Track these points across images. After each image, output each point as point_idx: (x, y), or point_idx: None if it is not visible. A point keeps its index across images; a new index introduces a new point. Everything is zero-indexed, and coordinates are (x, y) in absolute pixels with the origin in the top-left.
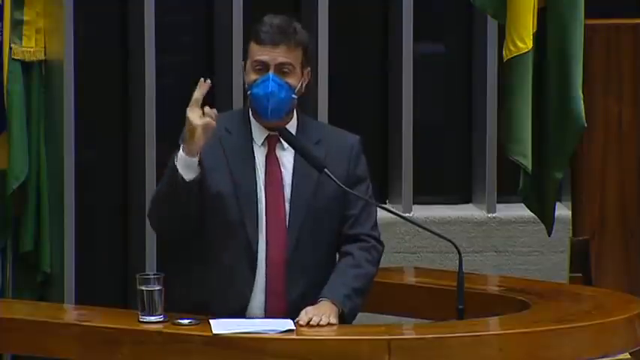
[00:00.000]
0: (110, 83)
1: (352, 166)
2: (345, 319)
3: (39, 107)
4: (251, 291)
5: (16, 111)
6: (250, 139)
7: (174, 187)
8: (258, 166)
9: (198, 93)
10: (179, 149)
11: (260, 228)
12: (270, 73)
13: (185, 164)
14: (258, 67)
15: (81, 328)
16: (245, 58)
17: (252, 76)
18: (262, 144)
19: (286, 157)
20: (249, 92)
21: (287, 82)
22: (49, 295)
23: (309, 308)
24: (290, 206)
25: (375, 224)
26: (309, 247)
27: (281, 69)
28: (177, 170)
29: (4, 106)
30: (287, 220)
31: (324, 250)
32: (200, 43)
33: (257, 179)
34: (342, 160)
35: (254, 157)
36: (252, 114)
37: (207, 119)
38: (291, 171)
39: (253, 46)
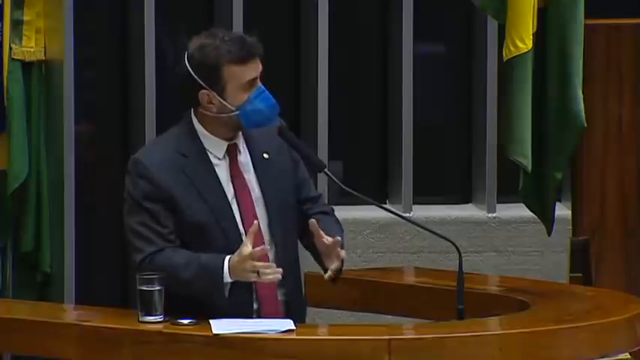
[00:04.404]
0: (110, 83)
1: (289, 150)
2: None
3: (39, 107)
4: (251, 306)
5: (16, 111)
6: (207, 158)
7: (209, 294)
8: (223, 182)
9: (250, 243)
10: (222, 263)
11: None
12: (260, 85)
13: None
14: (248, 86)
15: (81, 328)
16: (211, 86)
17: (243, 96)
18: (223, 157)
19: (245, 161)
20: (237, 112)
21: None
22: (49, 295)
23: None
24: (267, 211)
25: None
26: (292, 245)
27: (259, 78)
28: (222, 294)
29: (4, 106)
30: (268, 226)
31: (296, 241)
32: None
33: (227, 195)
34: (284, 146)
35: (217, 175)
36: (218, 127)
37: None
38: (253, 173)
39: (235, 69)
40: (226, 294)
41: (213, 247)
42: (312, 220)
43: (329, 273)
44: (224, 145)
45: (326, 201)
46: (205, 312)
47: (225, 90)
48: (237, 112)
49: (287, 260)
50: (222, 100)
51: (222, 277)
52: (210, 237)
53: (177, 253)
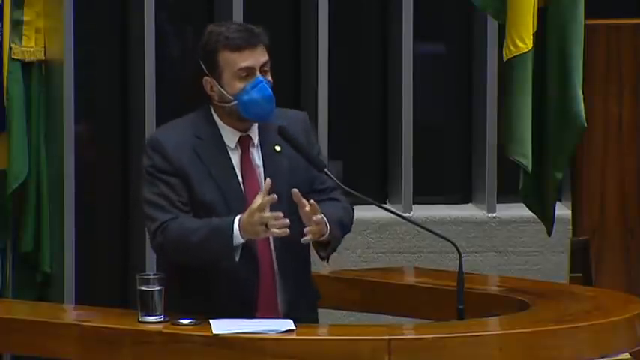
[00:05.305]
0: (110, 83)
1: (307, 143)
2: (328, 245)
3: (39, 107)
4: (257, 294)
5: (16, 111)
6: (223, 144)
7: (219, 257)
8: (236, 170)
9: (263, 198)
10: (232, 222)
11: None
12: (259, 76)
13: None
14: (243, 74)
15: (81, 328)
16: (210, 72)
17: (239, 85)
18: (235, 147)
19: (256, 155)
20: (234, 102)
21: (269, 81)
22: (49, 295)
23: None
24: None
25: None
26: (295, 240)
27: (263, 68)
28: (232, 255)
29: (4, 106)
30: None
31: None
32: None
33: (239, 183)
34: (301, 139)
35: (231, 161)
36: (230, 118)
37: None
38: (262, 169)
39: (229, 55)
40: (237, 257)
41: None
42: (295, 190)
43: (305, 237)
44: (236, 135)
45: None
46: (207, 304)
47: (222, 77)
48: (235, 102)
49: (289, 256)
50: (220, 88)
51: (232, 237)
52: (219, 217)
53: (190, 220)
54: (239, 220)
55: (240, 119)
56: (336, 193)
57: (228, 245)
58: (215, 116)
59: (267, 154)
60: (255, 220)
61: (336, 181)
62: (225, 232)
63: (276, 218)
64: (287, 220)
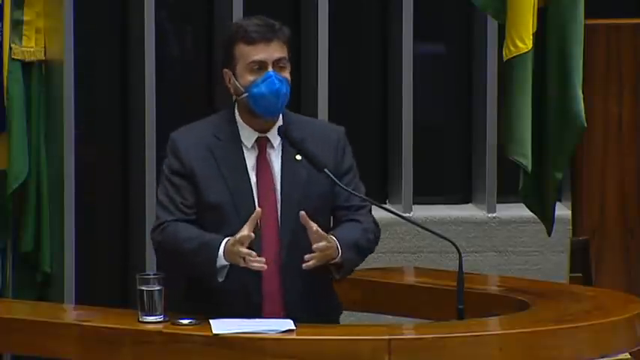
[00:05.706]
0: (110, 83)
1: (340, 159)
2: (341, 268)
3: (39, 107)
4: (261, 298)
5: (16, 111)
6: (239, 144)
7: (204, 272)
8: (249, 170)
9: (248, 230)
10: (220, 243)
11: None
12: (271, 70)
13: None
14: (255, 68)
15: (81, 328)
16: (228, 64)
17: (249, 78)
18: (252, 147)
19: (274, 158)
20: (245, 94)
21: (285, 78)
22: (49, 295)
23: (324, 245)
24: (281, 208)
25: (370, 208)
26: (303, 249)
27: (278, 64)
28: (214, 274)
29: (4, 106)
30: (279, 222)
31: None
32: (201, 44)
33: (251, 184)
34: (329, 154)
35: (245, 162)
36: (247, 115)
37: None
38: (279, 172)
39: (244, 48)
40: (220, 278)
41: (229, 230)
42: (302, 213)
43: (307, 262)
44: (254, 135)
45: None
46: (210, 308)
47: (236, 69)
48: (245, 94)
49: (294, 264)
50: (235, 80)
51: (217, 258)
52: (227, 220)
53: (187, 227)
54: (225, 243)
55: (253, 114)
56: (361, 212)
57: (211, 265)
58: (237, 114)
59: (286, 161)
60: (234, 250)
61: (336, 181)
62: (212, 251)
63: (252, 255)
64: (263, 259)
